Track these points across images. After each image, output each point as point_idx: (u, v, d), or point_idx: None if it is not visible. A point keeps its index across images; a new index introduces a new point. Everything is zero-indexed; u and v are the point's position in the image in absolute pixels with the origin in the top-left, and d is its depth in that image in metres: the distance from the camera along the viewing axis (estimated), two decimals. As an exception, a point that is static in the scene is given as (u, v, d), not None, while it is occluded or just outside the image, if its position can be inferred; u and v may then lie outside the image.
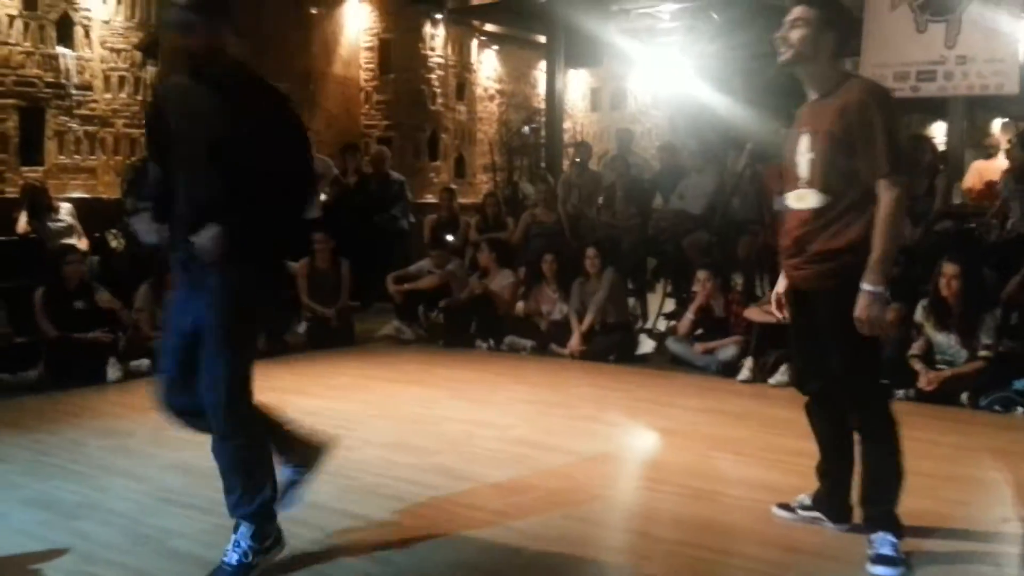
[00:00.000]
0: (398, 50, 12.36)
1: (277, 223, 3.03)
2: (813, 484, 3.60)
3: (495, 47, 14.13)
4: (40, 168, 8.71)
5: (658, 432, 5.23)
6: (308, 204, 3.30)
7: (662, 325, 7.93)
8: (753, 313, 6.42)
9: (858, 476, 3.33)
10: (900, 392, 5.60)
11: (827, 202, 3.12)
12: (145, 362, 6.33)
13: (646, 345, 7.61)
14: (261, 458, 3.12)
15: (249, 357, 3.09)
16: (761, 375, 6.25)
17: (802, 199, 3.19)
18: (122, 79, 9.32)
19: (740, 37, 11.16)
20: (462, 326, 7.70)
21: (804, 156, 3.18)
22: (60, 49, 8.80)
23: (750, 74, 11.66)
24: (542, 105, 13.16)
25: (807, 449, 4.63)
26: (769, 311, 6.29)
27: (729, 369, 6.42)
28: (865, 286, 3.01)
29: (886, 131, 3.01)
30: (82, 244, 7.74)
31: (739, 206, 7.95)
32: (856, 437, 3.34)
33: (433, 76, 12.76)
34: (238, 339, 3.01)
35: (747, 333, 6.44)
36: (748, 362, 6.31)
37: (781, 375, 6.15)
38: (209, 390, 2.98)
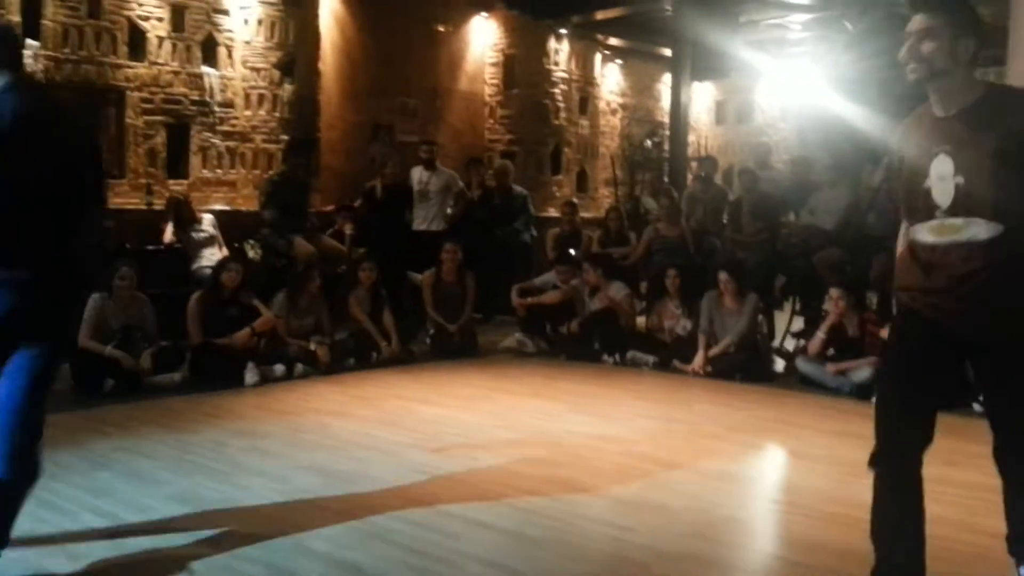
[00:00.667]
0: (522, 65, 12.49)
1: None
2: (958, 512, 3.43)
3: (619, 61, 14.12)
4: (185, 181, 9.18)
5: (788, 454, 5.09)
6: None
7: (790, 344, 7.72)
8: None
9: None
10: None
11: (999, 232, 2.64)
12: (280, 367, 6.58)
13: (775, 364, 7.43)
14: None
15: None
16: (897, 398, 5.99)
17: (953, 231, 2.72)
18: (261, 97, 9.75)
19: (876, 45, 10.80)
20: (585, 340, 7.68)
21: (946, 181, 2.73)
22: (205, 68, 9.28)
23: (887, 83, 11.25)
24: (666, 118, 13.08)
25: (952, 477, 4.44)
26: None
27: (863, 391, 6.18)
28: None
29: None
30: (222, 253, 8.11)
31: (875, 222, 7.67)
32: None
33: (556, 91, 12.84)
34: None
35: (883, 354, 6.20)
36: (883, 384, 6.06)
37: (919, 398, 5.89)
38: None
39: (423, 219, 9.29)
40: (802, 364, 6.78)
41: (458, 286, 7.95)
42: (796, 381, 6.76)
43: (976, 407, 5.82)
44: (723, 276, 7.03)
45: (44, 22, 8.20)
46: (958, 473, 4.55)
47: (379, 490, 4.07)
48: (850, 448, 5.01)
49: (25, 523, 3.55)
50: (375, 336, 7.26)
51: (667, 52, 12.64)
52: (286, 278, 7.33)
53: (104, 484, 4.08)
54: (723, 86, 15.06)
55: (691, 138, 13.21)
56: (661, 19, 12.00)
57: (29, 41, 8.10)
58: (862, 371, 6.28)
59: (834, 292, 6.57)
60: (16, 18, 8.00)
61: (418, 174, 9.38)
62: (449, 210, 9.43)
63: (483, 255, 8.98)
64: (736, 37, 11.81)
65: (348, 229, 8.73)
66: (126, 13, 8.67)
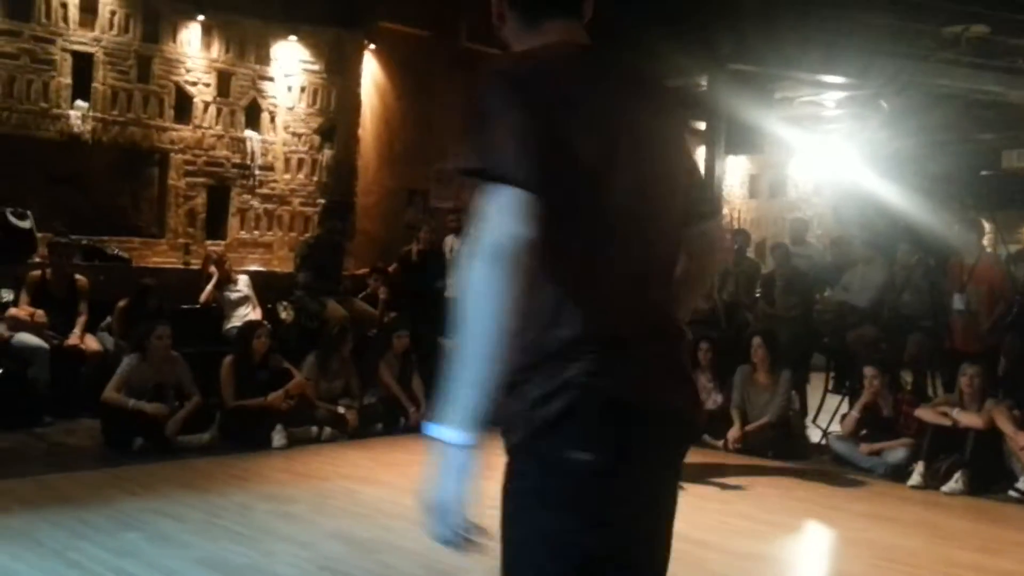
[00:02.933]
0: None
1: None
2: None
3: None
4: (222, 242, 9.33)
5: (821, 535, 4.99)
6: None
7: (823, 421, 7.60)
8: (925, 414, 6.08)
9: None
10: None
11: None
12: (312, 429, 6.58)
13: (812, 434, 7.32)
14: None
15: None
16: (933, 482, 5.88)
17: None
18: (300, 161, 9.94)
19: (911, 124, 10.85)
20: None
21: None
22: (247, 133, 9.50)
23: (921, 162, 11.27)
24: (700, 191, 13.11)
25: (988, 564, 4.33)
26: (944, 412, 5.99)
27: (897, 473, 6.07)
28: None
29: None
30: (256, 314, 8.17)
31: (910, 300, 7.61)
32: None
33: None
34: None
35: (918, 436, 6.10)
36: (919, 466, 5.95)
37: (955, 483, 5.77)
38: None
39: (453, 285, 9.34)
40: (836, 443, 6.67)
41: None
42: (829, 460, 6.64)
43: (1013, 493, 5.70)
44: (757, 340, 6.98)
45: (95, 84, 8.46)
46: (992, 560, 4.43)
47: (404, 560, 4.03)
48: (883, 531, 4.91)
49: (51, 583, 3.56)
50: (404, 401, 7.25)
51: (701, 126, 12.75)
52: (317, 340, 7.37)
53: (130, 545, 4.07)
54: (757, 160, 15.12)
55: (724, 211, 13.24)
56: (695, 93, 12.12)
57: (79, 102, 8.36)
58: (896, 452, 6.17)
59: (868, 371, 6.49)
60: (67, 80, 8.27)
61: (451, 242, 9.45)
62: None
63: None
64: (770, 113, 11.89)
65: (382, 293, 8.78)
66: (174, 78, 8.93)
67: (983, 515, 5.38)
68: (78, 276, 7.44)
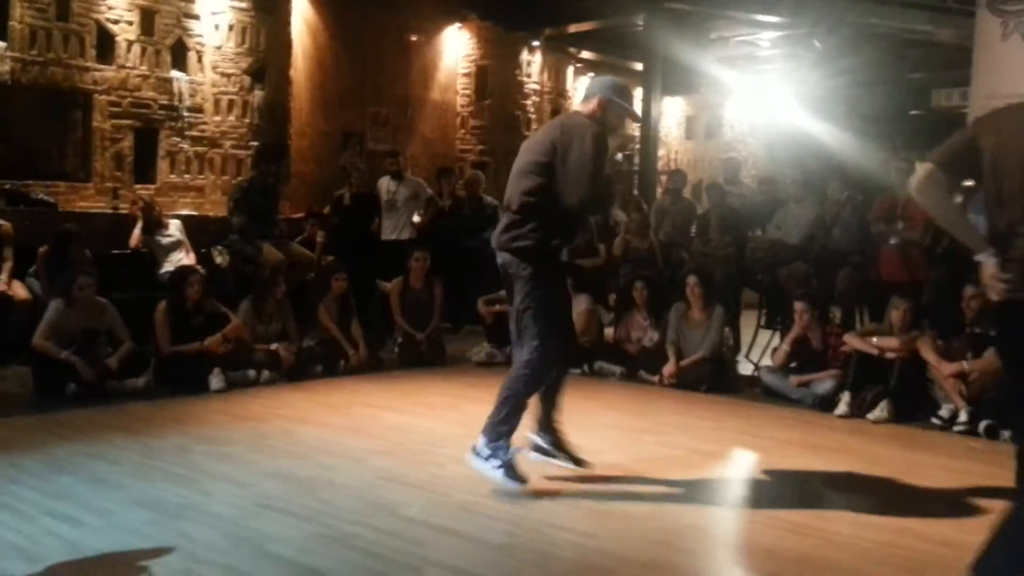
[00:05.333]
0: (494, 76, 12.54)
1: None
2: (917, 522, 3.47)
3: (591, 74, 14.21)
4: (152, 186, 9.10)
5: (751, 464, 5.14)
6: None
7: (755, 356, 7.79)
8: (853, 340, 6.27)
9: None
10: (1006, 433, 5.42)
11: None
12: (250, 372, 6.54)
13: (744, 368, 7.51)
14: None
15: None
16: (859, 410, 6.08)
17: None
18: (231, 102, 9.70)
19: (844, 64, 10.99)
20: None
21: None
22: (174, 73, 9.22)
23: (854, 102, 11.45)
24: (636, 132, 13.17)
25: (909, 487, 4.51)
26: (870, 343, 6.18)
27: (826, 403, 6.26)
28: None
29: None
30: (189, 259, 8.03)
31: (840, 237, 7.77)
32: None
33: (528, 102, 12.91)
34: None
35: (845, 367, 6.29)
36: (846, 396, 6.15)
37: (880, 411, 5.98)
38: None
39: (391, 228, 9.28)
40: (766, 376, 6.85)
41: (426, 294, 7.95)
42: (760, 393, 6.83)
43: (935, 420, 5.93)
44: (691, 280, 7.09)
45: (11, 23, 8.11)
46: (914, 483, 4.62)
47: (343, 496, 4.06)
48: (811, 459, 5.08)
49: (-18, 526, 3.51)
50: (343, 344, 7.23)
51: (638, 66, 12.76)
52: (253, 284, 7.29)
53: (64, 488, 4.03)
54: (693, 101, 15.22)
55: (661, 152, 13.33)
56: (633, 34, 12.11)
57: (-4, 42, 8.02)
58: (824, 383, 6.35)
59: (799, 306, 6.64)
60: (-17, 18, 7.92)
61: (385, 184, 9.37)
62: (417, 218, 9.43)
63: (453, 265, 8.98)
64: (706, 53, 11.95)
65: (320, 236, 8.69)
66: (95, 16, 8.60)
67: (907, 441, 5.60)
68: (1, 221, 7.21)
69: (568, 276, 7.74)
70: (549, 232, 4.23)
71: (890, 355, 6.11)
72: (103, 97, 8.74)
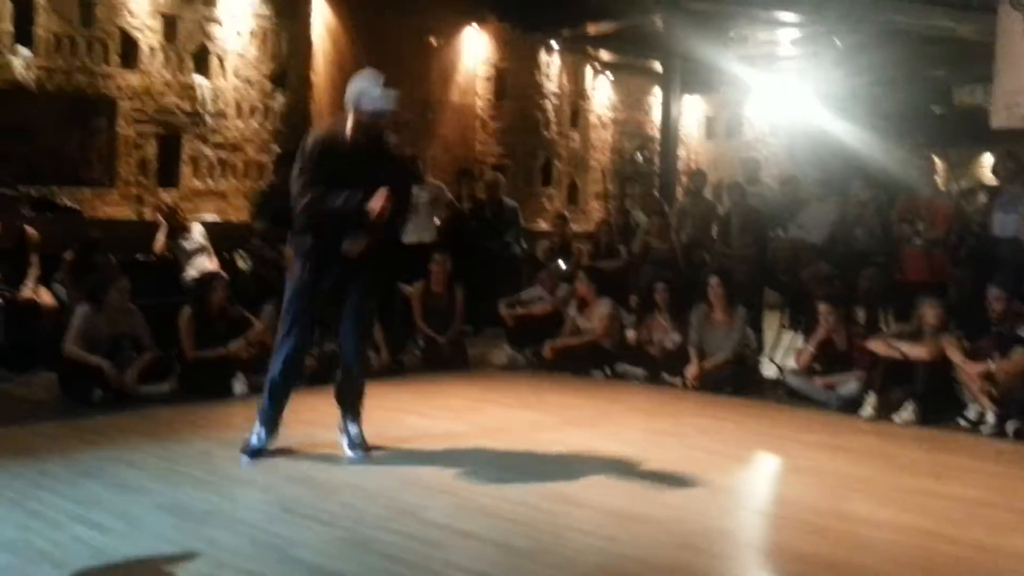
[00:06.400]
0: (514, 78, 12.54)
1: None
2: (944, 524, 3.44)
3: (609, 74, 14.19)
4: (175, 191, 9.17)
5: (776, 466, 5.11)
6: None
7: (778, 357, 7.75)
8: (878, 346, 6.20)
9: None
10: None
11: None
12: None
13: (768, 370, 7.46)
14: None
15: None
16: (885, 413, 6.03)
17: None
18: (253, 108, 9.76)
19: (865, 62, 10.90)
20: (560, 366, 7.64)
21: None
22: (197, 79, 9.29)
23: (875, 100, 11.36)
24: (656, 132, 13.14)
25: (937, 490, 4.47)
26: (897, 347, 6.11)
27: (851, 405, 6.21)
28: None
29: None
30: (213, 263, 8.09)
31: (862, 237, 7.72)
32: None
33: (547, 104, 12.90)
34: None
35: (871, 368, 6.23)
36: (871, 398, 6.09)
37: (907, 413, 5.92)
38: None
39: (411, 231, 9.28)
40: (790, 378, 6.80)
41: (447, 298, 7.95)
42: (784, 394, 6.78)
43: (962, 422, 5.87)
44: (713, 280, 7.05)
45: (36, 30, 8.21)
46: (941, 485, 4.59)
47: (365, 500, 4.07)
48: (836, 461, 5.04)
49: (10, 531, 3.55)
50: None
51: (657, 66, 12.71)
52: (274, 289, 7.32)
53: (90, 494, 4.06)
54: (713, 101, 15.15)
55: (681, 152, 13.28)
56: (652, 34, 12.06)
57: (21, 49, 8.11)
58: (849, 385, 6.30)
59: (823, 307, 6.59)
60: (8, 26, 8.01)
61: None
62: (438, 221, 9.45)
63: (473, 267, 8.99)
64: (726, 52, 11.89)
65: (340, 241, 8.70)
66: (119, 23, 8.69)
67: (933, 443, 5.55)
68: (27, 228, 7.29)
69: (591, 282, 7.78)
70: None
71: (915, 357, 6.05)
72: (127, 103, 8.82)
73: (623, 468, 4.74)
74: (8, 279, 6.96)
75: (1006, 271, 6.58)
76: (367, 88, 4.70)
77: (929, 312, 6.13)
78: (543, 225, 11.77)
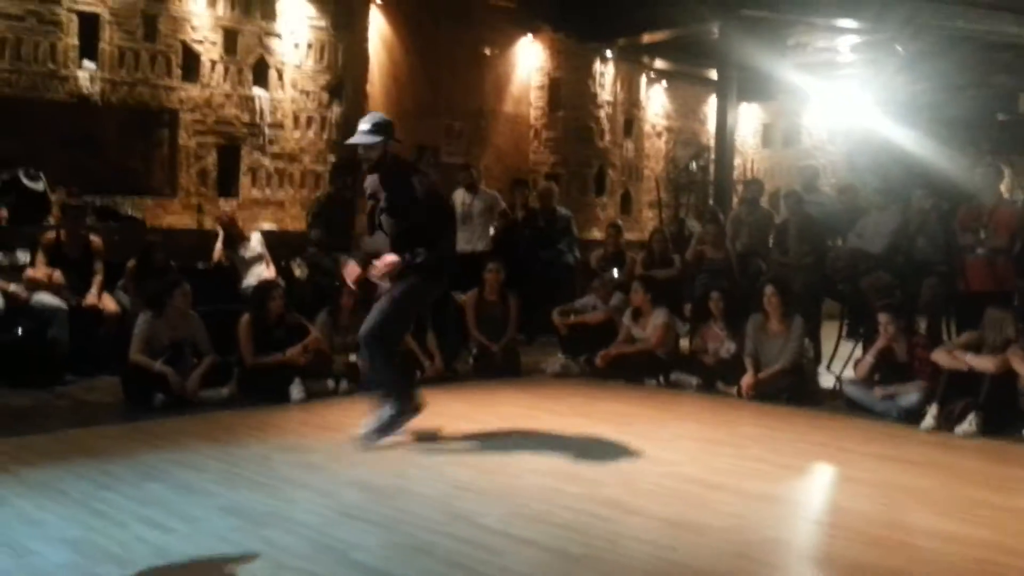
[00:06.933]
0: (568, 88, 12.56)
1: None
2: (1006, 536, 3.36)
3: (664, 83, 14.14)
4: (234, 201, 9.36)
5: (833, 477, 5.03)
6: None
7: (837, 368, 7.62)
8: (942, 358, 6.07)
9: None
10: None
11: None
12: (329, 383, 6.66)
13: (825, 380, 7.36)
14: None
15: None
16: (947, 424, 5.89)
17: None
18: (310, 119, 9.93)
19: (927, 69, 10.70)
20: (613, 374, 7.60)
21: None
22: (256, 91, 9.47)
23: (938, 107, 11.14)
24: (711, 141, 13.04)
25: (999, 502, 4.36)
26: (961, 359, 5.96)
27: (911, 416, 6.08)
28: None
29: None
30: (270, 272, 8.23)
31: (924, 246, 7.56)
32: None
33: (602, 113, 12.89)
34: None
35: (932, 379, 6.10)
36: (933, 409, 5.96)
37: (969, 424, 5.78)
38: None
39: (466, 240, 9.35)
40: (849, 388, 6.69)
41: (501, 306, 7.98)
42: (843, 405, 6.67)
43: (1025, 433, 5.71)
44: (769, 289, 6.97)
45: (102, 45, 8.45)
46: (1003, 498, 4.47)
47: (421, 505, 4.10)
48: (895, 472, 4.94)
49: (76, 531, 3.65)
50: (419, 355, 7.31)
51: (713, 75, 12.63)
52: (329, 297, 7.42)
53: (153, 495, 4.15)
54: (770, 109, 15.00)
55: (737, 161, 13.17)
56: (707, 42, 11.99)
57: (86, 63, 8.36)
58: (910, 396, 6.18)
59: (883, 317, 6.47)
60: (74, 41, 8.26)
61: (460, 196, 9.46)
62: (492, 230, 9.49)
63: (527, 276, 9.01)
64: (784, 60, 11.77)
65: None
66: (181, 37, 8.91)
67: (997, 456, 5.41)
68: (92, 236, 7.50)
69: (647, 291, 7.74)
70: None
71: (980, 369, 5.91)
72: (188, 115, 9.03)
73: (678, 477, 4.70)
74: (73, 286, 7.16)
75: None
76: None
77: (1007, 323, 5.98)
78: (596, 234, 11.76)
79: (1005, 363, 5.80)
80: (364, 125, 5.17)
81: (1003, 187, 8.33)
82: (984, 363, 5.87)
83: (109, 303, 7.31)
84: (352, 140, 5.23)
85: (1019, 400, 5.84)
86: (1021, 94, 11.80)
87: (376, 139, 5.12)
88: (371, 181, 5.37)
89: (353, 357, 6.89)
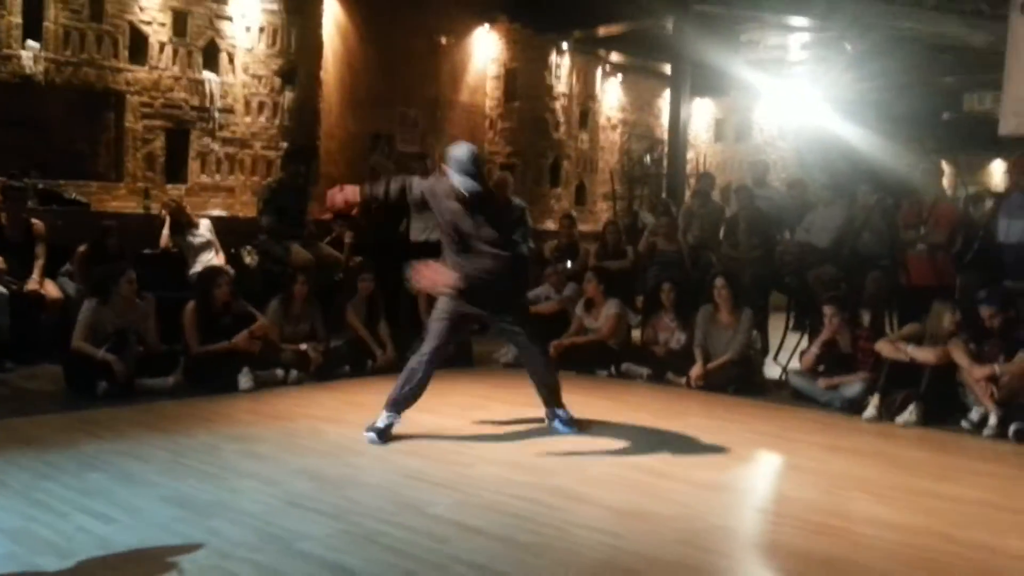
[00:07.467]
0: (523, 79, 12.56)
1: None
2: (945, 524, 3.44)
3: (619, 76, 14.20)
4: (183, 186, 9.20)
5: (779, 466, 5.12)
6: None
7: (783, 359, 7.74)
8: (885, 348, 6.20)
9: None
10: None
11: None
12: (278, 372, 6.60)
13: (772, 371, 7.47)
14: None
15: None
16: (888, 414, 6.02)
17: None
18: (261, 104, 9.79)
19: (874, 67, 10.90)
20: (566, 364, 7.63)
21: None
22: (206, 74, 9.32)
23: (884, 105, 11.35)
24: (665, 135, 13.13)
25: (938, 490, 4.47)
26: (904, 350, 6.10)
27: (854, 406, 6.21)
28: None
29: None
30: (219, 259, 8.11)
31: (869, 241, 7.72)
32: None
33: (557, 105, 12.91)
34: None
35: (875, 370, 6.23)
36: (875, 400, 6.09)
37: (909, 414, 5.92)
38: None
39: (421, 230, 9.29)
40: (794, 379, 6.81)
41: (454, 296, 7.95)
42: (788, 395, 6.78)
43: (965, 424, 5.87)
44: (719, 282, 7.05)
45: (46, 24, 8.24)
46: (942, 486, 4.58)
47: (371, 495, 4.08)
48: (838, 461, 5.04)
49: (15, 521, 3.57)
50: (371, 344, 7.27)
51: (667, 69, 12.72)
52: (280, 285, 7.34)
53: (96, 485, 4.08)
54: (723, 104, 15.15)
55: (690, 155, 13.27)
56: (662, 36, 12.07)
57: (30, 43, 8.15)
58: (853, 386, 6.30)
59: (828, 309, 6.59)
60: (17, 19, 8.04)
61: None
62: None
63: (480, 266, 8.98)
64: (736, 56, 11.90)
65: (347, 237, 8.74)
66: (128, 17, 8.72)
67: (936, 445, 5.54)
68: (34, 220, 7.32)
69: (600, 282, 7.79)
70: None
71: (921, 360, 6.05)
72: (135, 98, 8.85)
73: (627, 466, 4.75)
74: (14, 271, 6.99)
75: (1013, 275, 6.59)
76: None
77: (946, 317, 6.12)
78: (551, 225, 11.78)
79: (945, 355, 5.94)
80: (464, 167, 5.06)
81: (945, 183, 8.52)
82: (925, 354, 6.00)
83: (51, 289, 7.15)
84: (465, 188, 5.07)
85: (958, 391, 5.99)
86: (965, 94, 12.07)
87: (477, 185, 5.06)
88: (442, 193, 5.27)
89: (303, 346, 6.83)
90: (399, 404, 5.17)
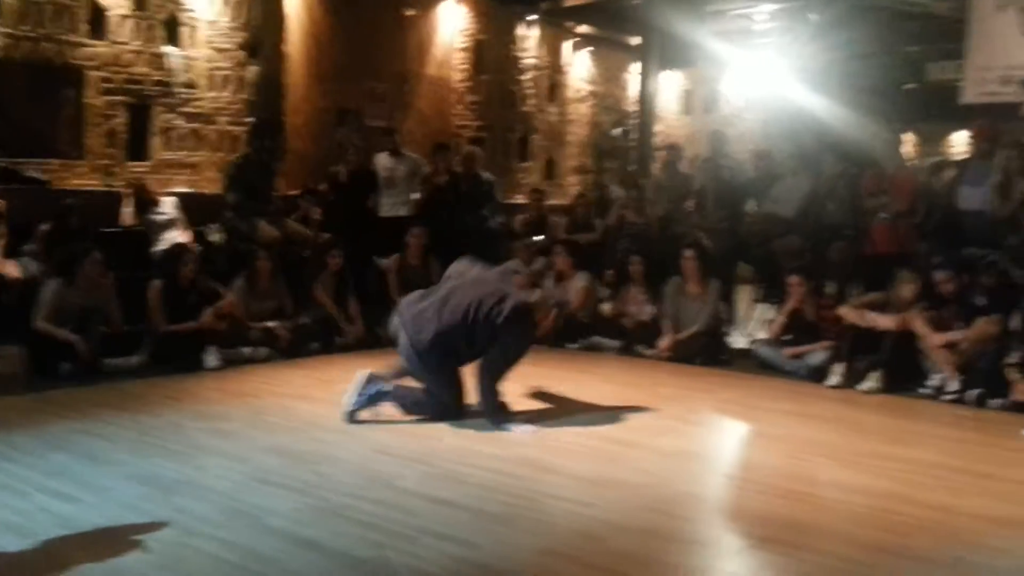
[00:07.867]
0: (491, 51, 12.47)
1: None
2: (906, 487, 3.51)
3: (588, 49, 14.14)
4: (146, 163, 9.07)
5: (745, 433, 5.18)
6: None
7: (749, 329, 7.82)
8: (848, 313, 6.27)
9: None
10: (995, 402, 5.50)
11: None
12: (245, 350, 6.55)
13: (738, 341, 7.53)
14: None
15: None
16: (851, 381, 6.11)
17: None
18: (226, 78, 9.64)
19: (838, 38, 10.93)
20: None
21: None
22: (167, 48, 9.16)
23: (848, 76, 11.39)
24: (634, 107, 13.13)
25: (899, 454, 4.55)
26: (866, 317, 6.18)
27: (818, 374, 6.29)
28: None
29: None
30: (184, 236, 8.02)
31: (834, 211, 7.77)
32: None
33: (525, 77, 12.85)
34: None
35: (838, 339, 6.31)
36: (838, 367, 6.17)
37: (872, 381, 6.01)
38: None
39: (390, 206, 9.24)
40: (761, 348, 6.87)
41: (423, 271, 7.94)
42: (754, 364, 6.85)
43: (925, 390, 5.96)
44: (688, 253, 7.10)
45: (2, -1, 8.05)
46: (903, 450, 4.66)
47: (339, 470, 4.08)
48: (803, 427, 5.12)
49: (-23, 501, 3.53)
50: (339, 320, 7.24)
51: (635, 41, 12.70)
52: (246, 262, 7.28)
53: (60, 465, 4.04)
54: (690, 76, 15.15)
55: (658, 127, 13.28)
56: (630, 7, 12.03)
57: (-14, 18, 7.96)
58: (817, 355, 6.38)
59: (793, 279, 6.66)
60: (-28, -6, 7.85)
61: (383, 160, 9.32)
62: (416, 195, 9.40)
63: (450, 241, 8.95)
64: (703, 27, 11.88)
65: (315, 214, 8.67)
66: (87, -9, 8.53)
67: (897, 411, 5.64)
68: (-7, 199, 7.19)
69: (569, 255, 7.78)
70: None
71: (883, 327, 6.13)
72: (95, 73, 8.68)
73: (595, 436, 4.78)
74: (-26, 251, 6.87)
75: (973, 242, 6.68)
76: None
77: (906, 286, 6.20)
78: (520, 199, 11.76)
79: (906, 321, 6.03)
80: None
81: (904, 153, 8.59)
82: (886, 321, 6.09)
83: (11, 269, 7.02)
84: None
85: (919, 358, 6.08)
86: (928, 63, 12.14)
87: None
88: None
89: (271, 323, 6.79)
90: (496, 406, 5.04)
